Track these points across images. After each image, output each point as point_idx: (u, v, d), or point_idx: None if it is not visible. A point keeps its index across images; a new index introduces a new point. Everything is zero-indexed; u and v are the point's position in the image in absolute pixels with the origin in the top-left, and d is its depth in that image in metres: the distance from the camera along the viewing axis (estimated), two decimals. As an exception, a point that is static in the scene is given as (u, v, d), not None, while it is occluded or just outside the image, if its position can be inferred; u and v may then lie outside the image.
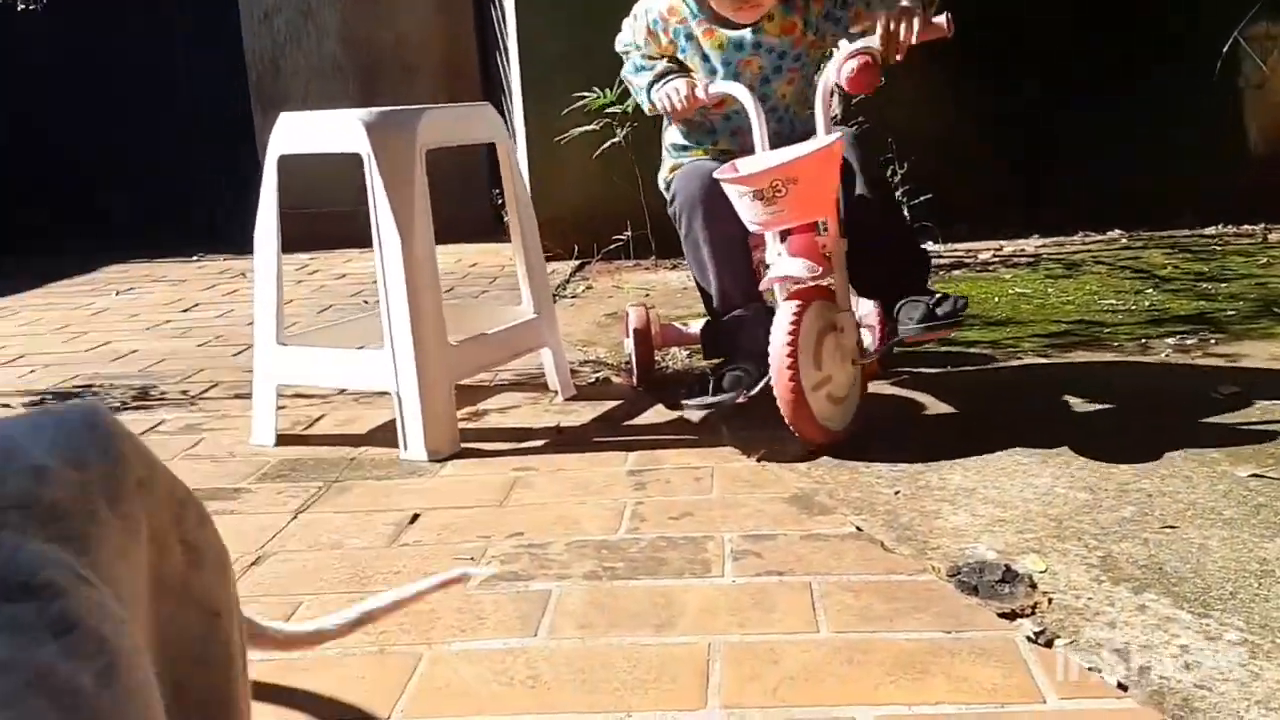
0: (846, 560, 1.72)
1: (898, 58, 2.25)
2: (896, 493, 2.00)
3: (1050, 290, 3.61)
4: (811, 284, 2.25)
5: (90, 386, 3.08)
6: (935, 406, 2.50)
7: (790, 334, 2.14)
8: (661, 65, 2.48)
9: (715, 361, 2.44)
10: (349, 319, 2.99)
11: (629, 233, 4.62)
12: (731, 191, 2.22)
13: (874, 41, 2.26)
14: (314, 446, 2.43)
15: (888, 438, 2.29)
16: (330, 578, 1.77)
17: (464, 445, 2.35)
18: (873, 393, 2.56)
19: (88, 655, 0.48)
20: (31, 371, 3.32)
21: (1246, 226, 4.54)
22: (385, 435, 2.41)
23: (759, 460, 2.19)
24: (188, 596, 0.68)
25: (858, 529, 1.84)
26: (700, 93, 2.38)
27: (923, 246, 2.62)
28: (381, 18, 5.66)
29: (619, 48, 2.59)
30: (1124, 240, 4.50)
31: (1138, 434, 2.21)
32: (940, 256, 4.26)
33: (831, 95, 2.35)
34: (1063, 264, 4.05)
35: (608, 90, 4.34)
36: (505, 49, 5.18)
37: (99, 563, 0.55)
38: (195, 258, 5.54)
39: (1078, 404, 2.47)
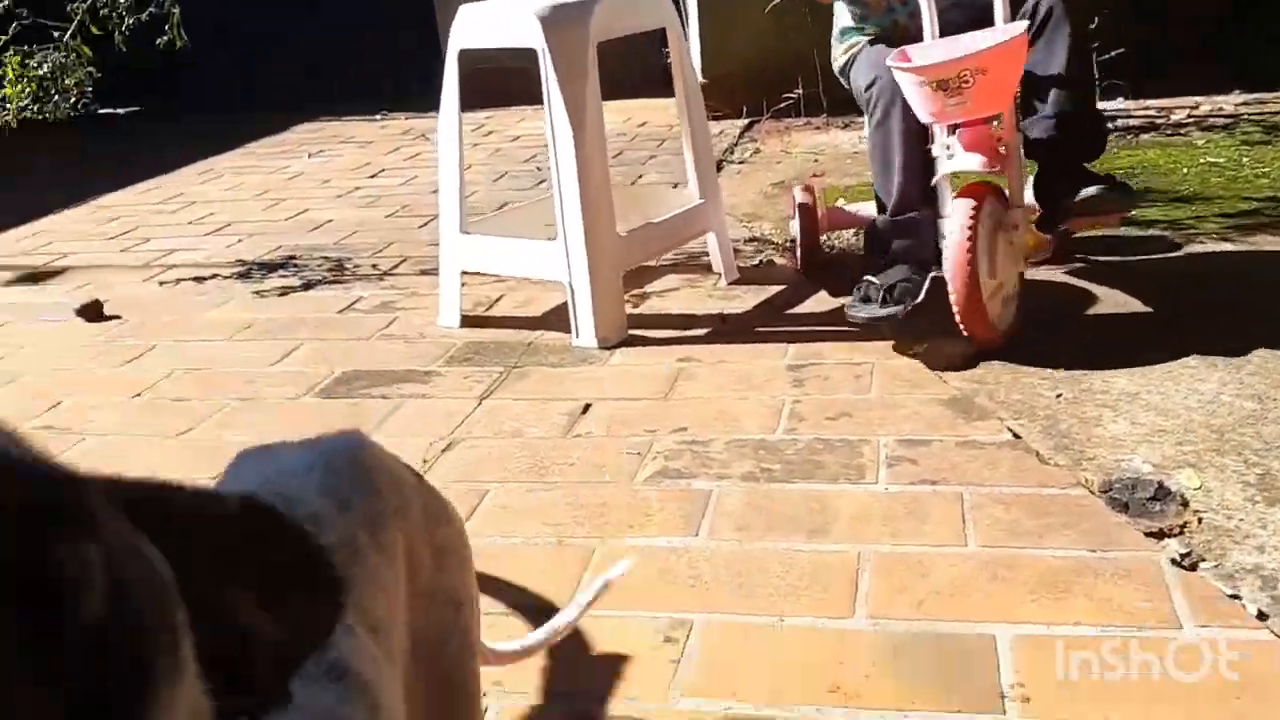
0: (1000, 470, 1.78)
1: None
2: (1058, 396, 2.02)
3: (1245, 160, 3.42)
4: (985, 179, 2.24)
5: (293, 258, 3.32)
6: (1106, 298, 2.46)
7: (969, 233, 2.12)
8: None
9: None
10: (525, 202, 3.10)
11: (800, 90, 4.55)
12: (908, 80, 2.18)
13: None
14: (494, 329, 2.59)
15: (1054, 333, 2.28)
16: (512, 467, 1.94)
17: (630, 332, 2.47)
18: (1043, 280, 2.55)
19: (357, 697, 0.61)
20: (239, 241, 3.60)
21: None
22: (559, 319, 2.55)
23: (918, 356, 2.23)
24: (437, 595, 0.80)
25: (1015, 436, 1.89)
26: None
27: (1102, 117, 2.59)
28: None
29: None
30: (1337, 96, 4.16)
31: (1319, 336, 2.15)
32: (1130, 116, 4.06)
33: None
34: (1262, 126, 3.80)
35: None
36: (675, -103, 5.05)
37: (360, 599, 0.67)
38: (379, 115, 5.74)
39: (1255, 299, 2.39)
